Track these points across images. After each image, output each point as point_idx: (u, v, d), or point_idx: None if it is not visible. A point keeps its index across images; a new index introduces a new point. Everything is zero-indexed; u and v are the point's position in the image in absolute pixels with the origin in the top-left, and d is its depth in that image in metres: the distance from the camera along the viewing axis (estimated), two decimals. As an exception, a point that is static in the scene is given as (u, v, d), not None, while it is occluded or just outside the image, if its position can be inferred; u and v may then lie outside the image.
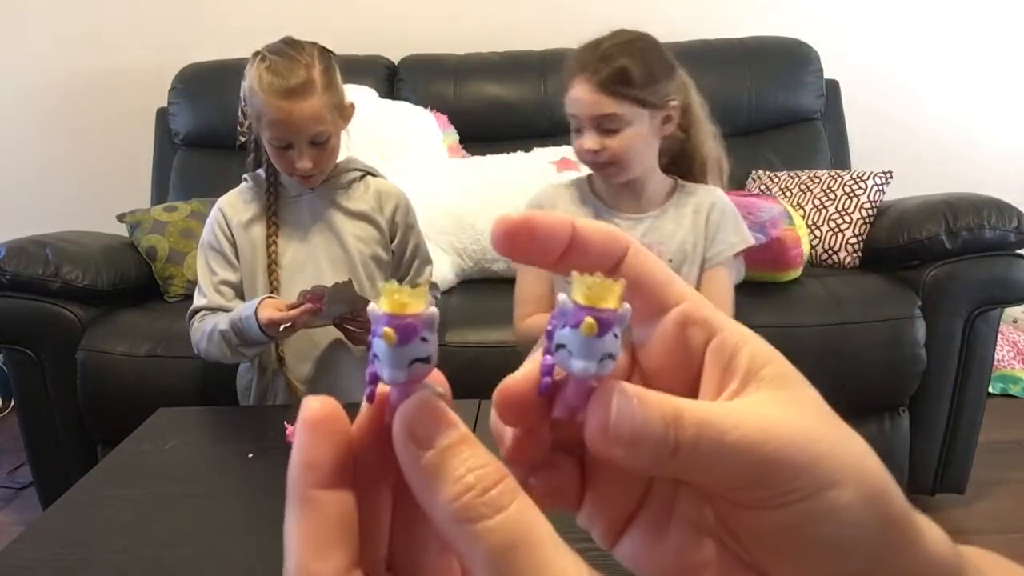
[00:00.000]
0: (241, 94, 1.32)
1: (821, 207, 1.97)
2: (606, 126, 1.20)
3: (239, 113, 1.36)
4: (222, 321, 1.31)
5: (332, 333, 1.36)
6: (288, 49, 1.26)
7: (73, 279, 1.72)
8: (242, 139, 1.39)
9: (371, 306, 0.22)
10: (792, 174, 2.13)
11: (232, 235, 1.38)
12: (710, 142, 1.31)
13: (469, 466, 0.22)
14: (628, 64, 1.17)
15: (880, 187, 1.94)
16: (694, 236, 1.26)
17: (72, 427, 1.73)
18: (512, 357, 1.38)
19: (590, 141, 1.21)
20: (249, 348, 1.31)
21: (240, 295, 1.39)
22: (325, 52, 1.30)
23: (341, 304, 1.25)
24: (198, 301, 1.38)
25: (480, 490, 0.21)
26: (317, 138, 1.27)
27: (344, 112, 1.32)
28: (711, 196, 1.28)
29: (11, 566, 0.87)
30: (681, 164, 1.31)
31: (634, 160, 1.23)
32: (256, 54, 1.28)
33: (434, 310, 0.22)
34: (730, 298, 1.29)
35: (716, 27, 2.42)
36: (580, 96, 1.19)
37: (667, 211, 1.28)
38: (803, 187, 2.05)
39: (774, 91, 2.31)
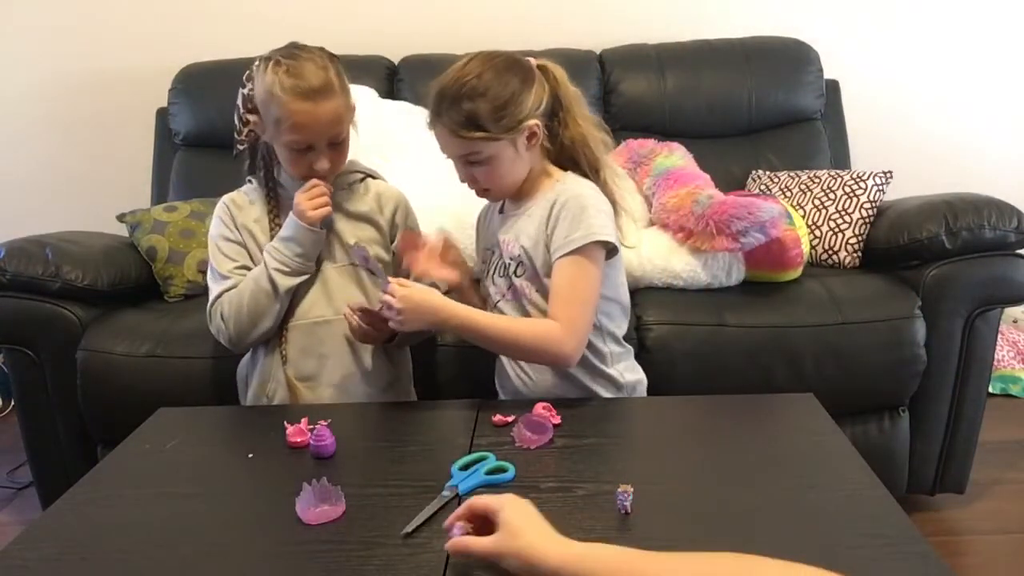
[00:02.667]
0: (238, 102, 1.33)
1: (821, 207, 1.97)
2: (471, 160, 1.25)
3: (236, 121, 1.36)
4: (252, 275, 1.34)
5: (337, 331, 1.37)
6: (300, 53, 1.28)
7: (73, 279, 1.72)
8: (240, 147, 1.39)
9: None
10: (792, 174, 2.13)
11: (239, 232, 1.39)
12: (591, 132, 1.32)
13: None
14: (473, 107, 1.20)
15: (880, 187, 1.94)
16: (537, 232, 1.28)
17: (72, 427, 1.73)
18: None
19: (462, 175, 1.29)
20: (293, 277, 1.33)
21: None
22: (332, 56, 1.32)
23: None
24: (218, 286, 1.37)
25: None
26: (336, 138, 1.31)
27: (352, 112, 1.35)
28: (559, 191, 1.28)
29: (11, 566, 0.88)
30: (567, 157, 1.33)
31: (506, 181, 1.28)
32: (266, 60, 1.28)
33: None
34: (569, 294, 1.24)
35: (716, 27, 2.42)
36: (439, 139, 1.26)
37: (530, 207, 1.30)
38: (803, 187, 2.05)
39: (774, 91, 2.31)
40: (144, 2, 2.50)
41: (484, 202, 1.46)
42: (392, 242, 1.45)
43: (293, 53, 1.28)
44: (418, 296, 1.22)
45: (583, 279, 1.24)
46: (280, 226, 1.37)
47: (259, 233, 1.39)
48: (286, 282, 1.33)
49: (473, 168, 1.26)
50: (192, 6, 2.50)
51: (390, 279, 1.23)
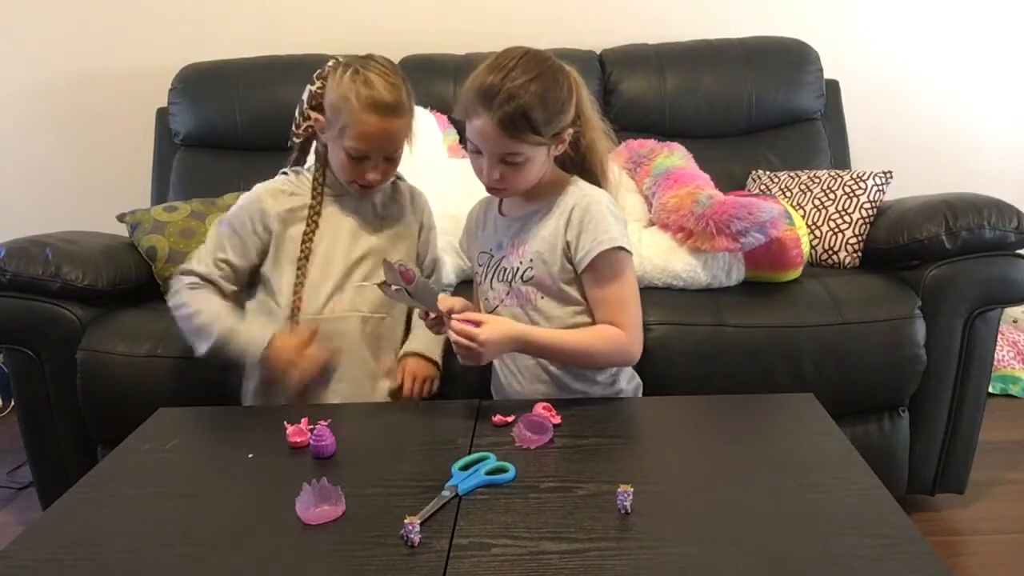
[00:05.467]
0: (303, 96, 1.39)
1: (821, 207, 1.97)
2: (508, 160, 1.23)
3: (297, 114, 1.41)
4: (215, 326, 1.37)
5: (354, 327, 1.41)
6: (378, 66, 1.33)
7: (73, 279, 1.72)
8: (296, 140, 1.45)
9: None
10: (792, 174, 2.13)
11: (267, 226, 1.41)
12: (602, 140, 1.33)
13: None
14: (530, 107, 1.18)
15: (880, 187, 1.94)
16: (553, 237, 1.27)
17: (72, 427, 1.73)
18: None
19: (491, 170, 1.24)
20: (218, 355, 1.38)
21: (238, 280, 1.44)
22: (405, 76, 1.36)
23: (419, 299, 1.22)
24: (194, 265, 1.43)
25: None
26: (392, 154, 1.36)
27: (411, 131, 1.39)
28: (576, 196, 1.28)
29: (11, 566, 0.88)
30: (578, 162, 1.33)
31: (528, 182, 1.27)
32: (345, 66, 1.33)
33: None
34: (619, 298, 1.26)
35: (716, 27, 2.42)
36: (483, 131, 1.21)
37: (542, 211, 1.30)
38: (803, 187, 2.05)
39: (774, 91, 2.31)
40: (144, 2, 2.50)
41: (476, 200, 1.46)
42: (418, 240, 1.51)
43: (370, 65, 1.33)
44: (498, 333, 1.20)
45: (625, 281, 1.27)
46: (317, 222, 1.40)
47: (294, 225, 1.41)
48: (201, 349, 1.39)
49: (505, 167, 1.23)
50: (192, 6, 2.50)
51: (459, 317, 1.20)
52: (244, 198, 1.45)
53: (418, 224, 1.50)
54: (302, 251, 1.40)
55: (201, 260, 1.43)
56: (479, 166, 1.26)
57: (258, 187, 1.46)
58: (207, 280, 1.41)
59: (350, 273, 1.42)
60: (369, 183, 1.36)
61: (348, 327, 1.40)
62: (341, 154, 1.35)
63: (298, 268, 1.39)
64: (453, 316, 1.20)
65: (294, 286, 1.39)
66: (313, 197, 1.42)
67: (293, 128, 1.43)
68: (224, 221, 1.44)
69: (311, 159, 1.48)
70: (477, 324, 1.19)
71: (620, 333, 1.26)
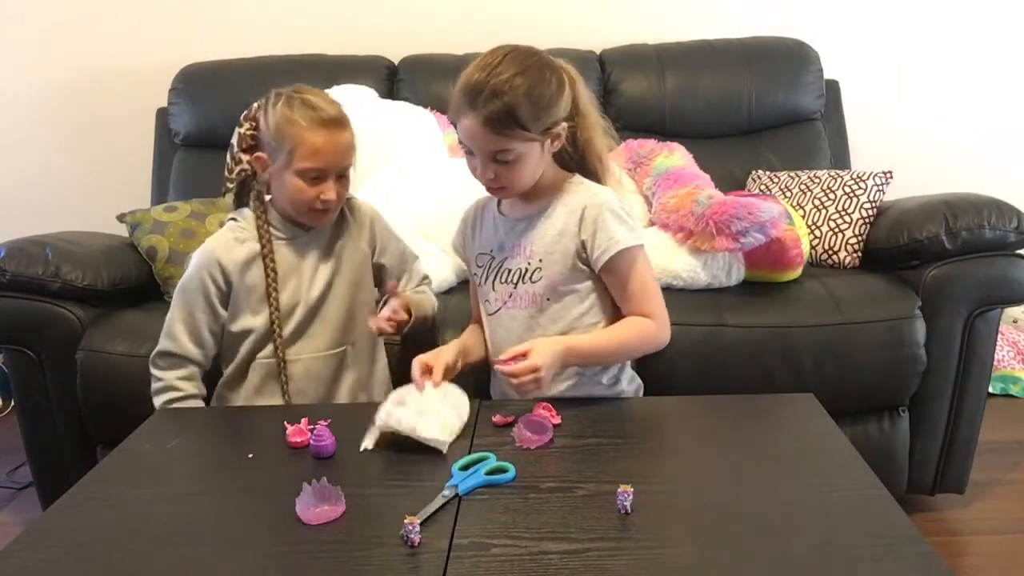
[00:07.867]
0: (233, 141, 1.34)
1: (821, 207, 1.97)
2: (499, 158, 1.22)
3: (228, 160, 1.36)
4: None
5: (359, 351, 1.42)
6: (308, 89, 1.34)
7: (73, 279, 1.72)
8: (230, 185, 1.39)
9: None
10: (792, 174, 2.13)
11: (228, 280, 1.37)
12: (600, 136, 1.32)
13: None
14: (515, 103, 1.17)
15: (880, 187, 1.94)
16: (564, 236, 1.27)
17: (72, 427, 1.73)
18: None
19: (484, 170, 1.24)
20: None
21: (216, 341, 1.39)
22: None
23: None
24: (168, 345, 1.37)
25: None
26: (344, 171, 1.34)
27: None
28: (585, 196, 1.28)
29: (11, 566, 0.88)
30: (577, 160, 1.33)
31: (524, 181, 1.26)
32: (276, 95, 1.32)
33: None
34: (644, 290, 1.27)
35: (716, 27, 2.43)
36: (471, 131, 1.20)
37: (547, 210, 1.29)
38: (803, 187, 2.05)
39: (774, 91, 2.31)
40: (144, 2, 2.50)
41: (473, 201, 1.45)
42: (374, 253, 1.47)
43: (301, 89, 1.33)
44: (547, 352, 1.19)
45: (644, 272, 1.28)
46: (275, 268, 1.35)
47: (254, 273, 1.36)
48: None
49: (497, 166, 1.22)
50: (192, 6, 2.51)
51: (499, 359, 1.20)
52: (197, 256, 1.39)
53: (368, 242, 1.45)
54: (270, 304, 1.36)
55: (171, 338, 1.37)
56: (474, 166, 1.26)
57: (208, 242, 1.40)
58: (184, 359, 1.37)
59: (312, 316, 1.39)
60: (326, 205, 1.33)
61: (315, 366, 1.39)
62: (294, 180, 1.31)
63: (271, 320, 1.36)
64: (496, 362, 1.21)
65: (272, 338, 1.36)
66: (262, 245, 1.36)
67: (226, 174, 1.37)
68: (183, 290, 1.38)
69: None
70: (523, 355, 1.17)
71: (649, 323, 1.27)
